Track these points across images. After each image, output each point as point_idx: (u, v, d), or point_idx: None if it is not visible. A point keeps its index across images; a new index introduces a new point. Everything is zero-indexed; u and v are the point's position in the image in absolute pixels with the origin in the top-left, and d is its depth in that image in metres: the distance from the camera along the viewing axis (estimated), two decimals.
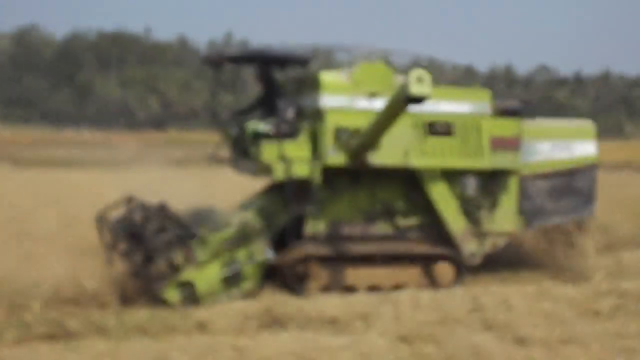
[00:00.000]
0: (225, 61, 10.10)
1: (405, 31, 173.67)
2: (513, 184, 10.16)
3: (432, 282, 9.58)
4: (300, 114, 9.45)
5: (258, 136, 9.24)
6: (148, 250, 8.36)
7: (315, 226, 9.61)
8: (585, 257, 10.52)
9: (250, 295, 8.64)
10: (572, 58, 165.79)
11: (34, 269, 8.53)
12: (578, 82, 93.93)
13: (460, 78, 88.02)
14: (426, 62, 72.64)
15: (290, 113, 9.54)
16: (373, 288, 9.28)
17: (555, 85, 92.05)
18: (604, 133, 16.32)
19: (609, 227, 12.64)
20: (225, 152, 10.18)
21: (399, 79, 9.42)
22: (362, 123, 8.89)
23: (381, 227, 9.89)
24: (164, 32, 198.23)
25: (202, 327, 7.62)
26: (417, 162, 9.43)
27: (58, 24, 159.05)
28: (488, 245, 10.09)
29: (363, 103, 9.17)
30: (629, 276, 10.01)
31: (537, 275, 10.54)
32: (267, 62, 10.13)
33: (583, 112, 69.82)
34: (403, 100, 7.82)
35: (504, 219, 10.16)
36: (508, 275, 10.56)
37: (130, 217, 9.27)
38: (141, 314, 7.94)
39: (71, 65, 76.60)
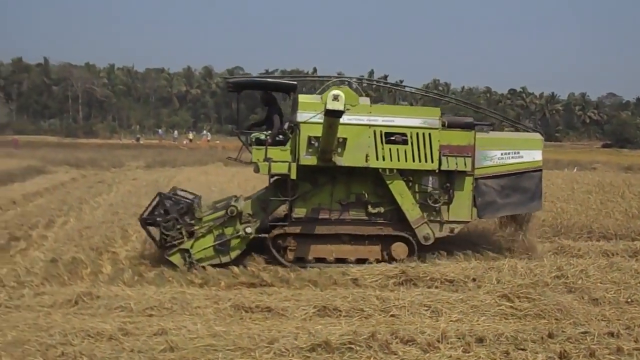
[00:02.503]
0: (230, 87, 12.28)
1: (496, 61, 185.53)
2: (468, 183, 11.83)
3: (390, 257, 11.63)
4: (292, 127, 11.48)
5: (259, 143, 11.48)
6: (162, 227, 11.27)
7: (299, 211, 11.79)
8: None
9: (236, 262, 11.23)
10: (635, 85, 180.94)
11: None
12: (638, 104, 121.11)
13: (545, 104, 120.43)
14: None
15: (284, 126, 11.70)
16: (340, 260, 11.51)
17: (620, 107, 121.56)
18: None
19: None
20: (244, 156, 12.05)
21: (363, 100, 11.55)
22: None
23: (354, 214, 11.88)
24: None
25: (355, 282, 10.26)
26: (375, 164, 11.39)
27: None
28: (445, 231, 11.90)
29: None
30: None
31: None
32: (261, 88, 12.49)
33: None
34: (325, 114, 9.80)
35: (460, 210, 11.87)
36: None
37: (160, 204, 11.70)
38: (312, 271, 10.83)
39: None
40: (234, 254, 11.40)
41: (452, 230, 11.95)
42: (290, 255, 11.53)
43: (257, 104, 10.73)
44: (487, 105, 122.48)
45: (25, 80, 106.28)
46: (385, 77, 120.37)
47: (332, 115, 9.75)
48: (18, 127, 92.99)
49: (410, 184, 11.74)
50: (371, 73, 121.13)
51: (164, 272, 10.74)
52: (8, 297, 9.15)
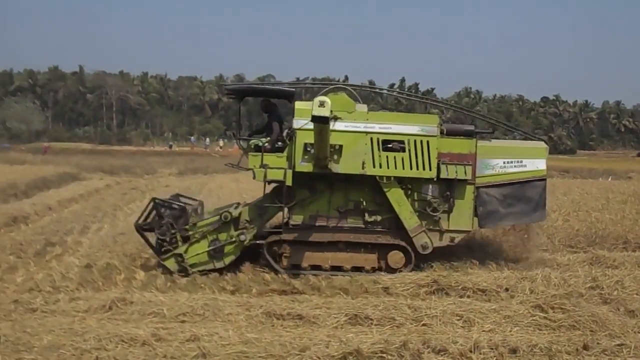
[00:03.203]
0: (228, 93, 12.29)
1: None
2: (469, 192, 11.59)
3: (386, 266, 11.44)
4: (290, 134, 11.37)
5: (258, 150, 11.39)
6: (157, 232, 11.35)
7: (297, 218, 11.71)
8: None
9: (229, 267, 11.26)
10: None
11: None
12: None
13: (578, 112, 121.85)
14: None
15: (283, 133, 11.62)
16: (335, 268, 11.36)
17: None
18: None
19: None
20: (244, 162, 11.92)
21: (360, 107, 11.41)
22: None
23: (352, 221, 11.72)
24: None
25: (386, 290, 10.22)
26: (372, 171, 11.24)
27: None
28: (445, 240, 11.66)
29: None
30: None
31: None
32: (259, 95, 12.39)
33: None
34: (311, 120, 9.65)
35: (460, 219, 11.63)
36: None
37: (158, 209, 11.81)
38: (344, 279, 10.82)
39: None
40: (228, 260, 11.40)
41: (452, 240, 11.72)
42: (285, 262, 11.43)
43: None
44: (520, 113, 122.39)
45: (61, 88, 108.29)
46: (416, 85, 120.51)
47: (319, 122, 9.66)
48: (53, 134, 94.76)
49: (409, 192, 11.59)
50: (402, 81, 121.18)
51: (196, 279, 10.83)
52: (44, 302, 9.29)
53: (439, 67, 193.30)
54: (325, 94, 10.96)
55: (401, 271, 11.24)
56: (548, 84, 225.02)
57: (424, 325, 8.58)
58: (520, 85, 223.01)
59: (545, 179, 12.00)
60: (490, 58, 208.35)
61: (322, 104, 9.35)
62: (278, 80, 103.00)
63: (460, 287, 10.16)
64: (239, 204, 12.28)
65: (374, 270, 11.35)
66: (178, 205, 11.78)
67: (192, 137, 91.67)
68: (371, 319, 8.68)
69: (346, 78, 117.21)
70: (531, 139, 13.64)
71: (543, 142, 12.64)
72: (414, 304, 9.30)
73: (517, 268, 11.54)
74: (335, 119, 10.78)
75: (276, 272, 11.20)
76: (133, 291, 9.94)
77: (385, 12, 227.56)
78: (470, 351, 7.38)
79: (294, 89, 12.35)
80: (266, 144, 11.48)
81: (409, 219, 11.52)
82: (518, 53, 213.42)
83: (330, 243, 11.44)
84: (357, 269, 11.38)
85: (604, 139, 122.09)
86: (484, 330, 8.34)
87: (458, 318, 8.74)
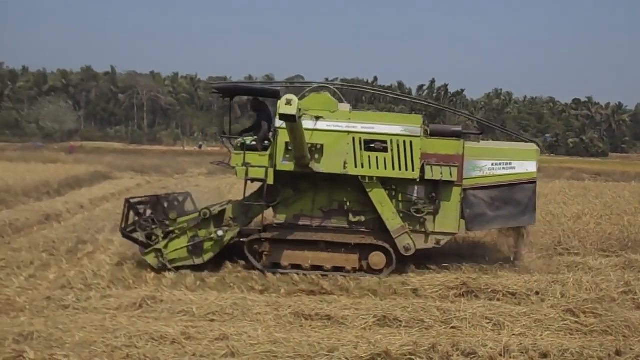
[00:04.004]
0: (216, 92, 12.32)
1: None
2: (455, 193, 11.38)
3: (367, 267, 11.33)
4: (274, 132, 11.27)
5: (245, 148, 11.35)
6: (140, 229, 11.57)
7: (280, 217, 11.69)
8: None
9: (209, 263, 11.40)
10: None
11: None
12: None
13: (611, 114, 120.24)
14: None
15: (270, 131, 11.52)
16: (316, 268, 11.26)
17: None
18: None
19: None
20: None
21: (342, 106, 11.30)
22: (308, 139, 10.73)
23: (336, 221, 11.65)
24: None
25: (415, 292, 10.18)
26: (354, 171, 11.13)
27: None
28: (431, 242, 11.49)
29: (309, 124, 10.91)
30: None
31: None
32: (245, 94, 12.37)
33: None
34: (279, 118, 9.58)
35: (446, 221, 11.45)
36: None
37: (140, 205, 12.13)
38: (373, 280, 10.80)
39: None
40: (207, 257, 11.49)
41: (438, 242, 11.57)
42: (265, 260, 11.45)
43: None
44: (551, 115, 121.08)
45: (93, 88, 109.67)
46: (446, 86, 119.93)
47: (286, 120, 9.62)
48: (86, 133, 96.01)
49: (394, 192, 11.49)
50: (432, 82, 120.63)
51: (225, 278, 10.90)
52: (76, 299, 9.41)
53: (470, 69, 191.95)
54: (308, 93, 11.14)
55: (382, 272, 11.20)
56: (580, 85, 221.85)
57: (453, 327, 8.52)
58: (551, 87, 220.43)
59: (535, 182, 11.78)
60: (521, 59, 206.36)
61: (289, 102, 9.31)
62: (307, 80, 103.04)
63: (490, 290, 10.07)
64: (231, 201, 12.46)
65: (355, 271, 11.28)
66: (149, 197, 12.06)
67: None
68: (400, 321, 8.65)
69: (375, 79, 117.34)
70: (523, 141, 13.45)
71: (534, 144, 12.44)
72: (443, 306, 9.24)
73: (548, 272, 11.40)
74: (317, 118, 10.90)
75: (255, 269, 11.33)
76: (163, 289, 10.03)
77: (416, 14, 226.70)
78: (500, 355, 7.33)
79: (279, 89, 12.34)
80: (253, 143, 11.53)
81: (392, 219, 11.42)
82: (549, 54, 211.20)
83: (311, 242, 11.40)
84: (338, 269, 11.32)
85: (637, 141, 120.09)
86: (514, 334, 8.27)
87: (488, 321, 8.66)
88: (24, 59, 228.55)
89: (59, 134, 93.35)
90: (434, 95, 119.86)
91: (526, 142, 13.38)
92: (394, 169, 11.16)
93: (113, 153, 56.56)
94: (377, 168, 11.16)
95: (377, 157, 11.14)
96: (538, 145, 12.45)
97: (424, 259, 11.97)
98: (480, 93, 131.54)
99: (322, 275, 11.08)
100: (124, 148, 71.05)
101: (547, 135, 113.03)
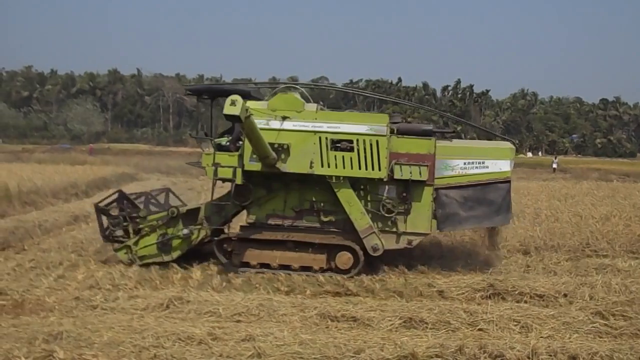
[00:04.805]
0: (189, 93, 12.47)
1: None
2: (427, 193, 11.21)
3: (335, 267, 11.25)
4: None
5: (219, 149, 11.41)
6: (111, 224, 12.00)
7: (252, 217, 11.70)
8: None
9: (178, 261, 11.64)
10: None
11: None
12: None
13: (639, 114, 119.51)
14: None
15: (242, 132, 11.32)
16: (284, 267, 11.24)
17: None
18: None
19: None
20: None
21: (309, 106, 11.21)
22: (274, 139, 10.80)
23: (308, 221, 11.60)
24: None
25: (441, 294, 10.12)
26: (320, 171, 11.04)
27: None
28: (403, 243, 11.34)
29: (276, 124, 10.94)
30: None
31: None
32: (216, 94, 12.38)
33: None
34: (225, 119, 9.56)
35: (418, 222, 11.28)
36: None
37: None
38: (398, 281, 10.78)
39: None
40: (175, 254, 11.75)
41: (410, 242, 11.43)
42: (235, 259, 11.49)
43: None
44: (577, 115, 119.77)
45: (120, 90, 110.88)
46: (471, 86, 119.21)
47: (232, 120, 9.73)
48: (113, 135, 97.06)
49: (362, 192, 11.42)
50: (458, 83, 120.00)
51: (251, 279, 10.93)
52: (104, 299, 9.51)
53: (496, 69, 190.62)
54: (276, 94, 11.18)
55: (349, 272, 11.16)
56: (608, 85, 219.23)
57: (480, 330, 8.43)
58: (577, 87, 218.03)
59: (509, 181, 11.54)
60: (547, 59, 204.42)
61: (233, 103, 9.33)
62: (331, 82, 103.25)
63: (517, 292, 9.97)
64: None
65: (323, 270, 11.24)
66: (115, 192, 12.70)
67: None
68: (426, 323, 8.59)
69: (399, 80, 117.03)
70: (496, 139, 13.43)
71: (509, 143, 12.21)
72: (469, 308, 9.15)
73: (576, 274, 11.28)
74: (284, 118, 10.97)
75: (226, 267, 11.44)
76: (190, 290, 10.08)
77: (441, 15, 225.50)
78: (528, 357, 7.24)
79: (249, 89, 12.36)
80: (228, 143, 11.61)
81: (360, 219, 11.33)
82: (576, 54, 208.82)
83: (279, 242, 11.41)
84: (306, 269, 11.31)
85: None
86: (542, 337, 8.14)
87: (515, 323, 8.56)
88: (53, 62, 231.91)
89: (87, 136, 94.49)
90: (459, 95, 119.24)
91: (503, 140, 13.21)
92: (360, 168, 11.08)
93: (139, 154, 57.04)
94: (344, 168, 11.10)
95: (343, 157, 11.07)
96: (514, 144, 12.25)
97: (449, 261, 11.92)
98: (506, 93, 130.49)
99: (348, 277, 11.06)
100: (150, 149, 71.64)
101: (573, 135, 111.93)
